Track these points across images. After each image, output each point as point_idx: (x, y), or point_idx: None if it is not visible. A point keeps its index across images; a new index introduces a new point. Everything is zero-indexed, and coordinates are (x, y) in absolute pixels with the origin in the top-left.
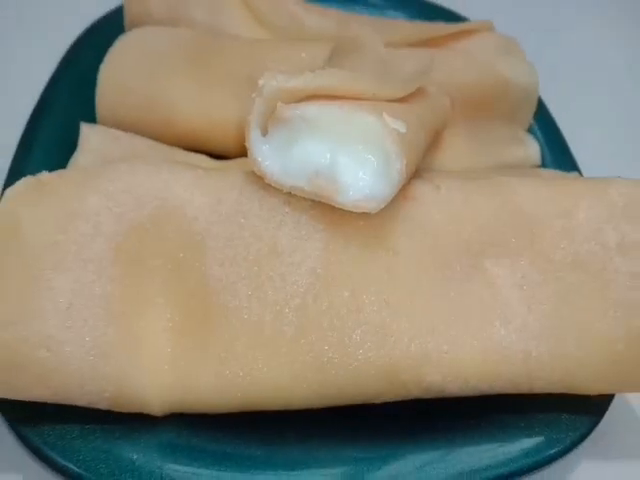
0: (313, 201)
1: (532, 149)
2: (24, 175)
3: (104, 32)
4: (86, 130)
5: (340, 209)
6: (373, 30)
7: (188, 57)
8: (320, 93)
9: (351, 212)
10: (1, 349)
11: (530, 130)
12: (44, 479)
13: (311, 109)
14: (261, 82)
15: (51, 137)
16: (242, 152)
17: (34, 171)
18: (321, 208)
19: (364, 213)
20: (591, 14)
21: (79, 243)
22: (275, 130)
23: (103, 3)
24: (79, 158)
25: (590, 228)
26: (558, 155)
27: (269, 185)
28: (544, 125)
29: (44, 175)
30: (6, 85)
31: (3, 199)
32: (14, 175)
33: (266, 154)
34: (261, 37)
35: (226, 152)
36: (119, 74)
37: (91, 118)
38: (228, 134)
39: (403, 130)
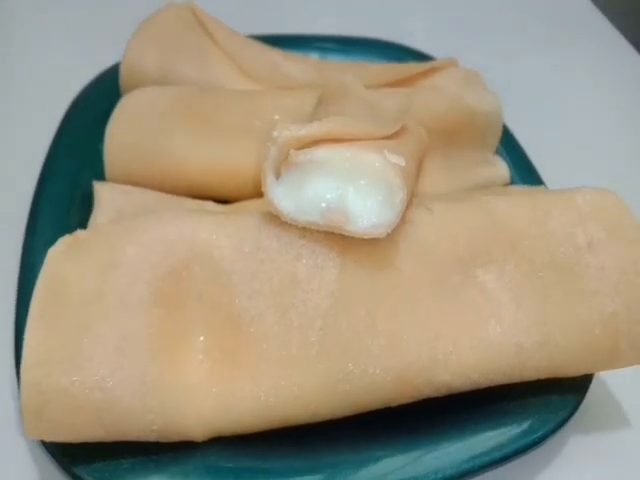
0: (326, 233)
1: (501, 169)
2: (40, 243)
3: (99, 92)
4: (99, 188)
5: (351, 237)
6: (352, 75)
7: (186, 112)
8: (325, 138)
9: (359, 239)
10: (61, 394)
11: (498, 153)
12: None
13: (320, 152)
14: (275, 133)
15: (60, 199)
16: (242, 195)
17: (49, 234)
18: (333, 238)
19: (372, 239)
20: (552, 46)
21: (121, 291)
22: (288, 173)
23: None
24: (97, 215)
25: (563, 232)
26: (525, 173)
27: (285, 222)
28: (510, 148)
29: (80, 233)
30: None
31: (47, 258)
32: (30, 242)
33: (280, 195)
34: (249, 88)
35: (228, 196)
36: (125, 132)
37: (95, 174)
38: (228, 180)
39: (403, 164)
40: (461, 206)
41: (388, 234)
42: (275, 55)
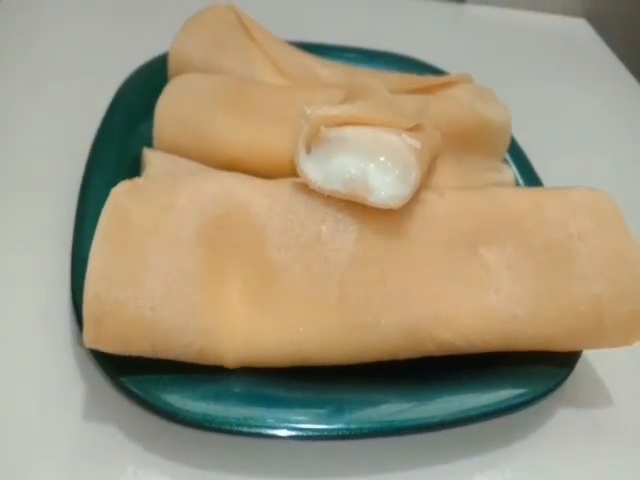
0: (347, 203)
1: (508, 175)
2: (93, 193)
3: (147, 76)
4: (149, 155)
5: (369, 208)
6: (377, 79)
7: (228, 97)
8: (351, 121)
9: (377, 211)
10: (118, 307)
11: (505, 162)
12: (139, 423)
13: (346, 131)
14: (309, 112)
15: (111, 165)
16: (274, 175)
17: (100, 194)
18: (354, 207)
19: (388, 211)
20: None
21: (173, 230)
22: (317, 148)
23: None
24: (148, 175)
25: (558, 221)
26: (530, 180)
27: (313, 190)
28: (517, 158)
29: (138, 179)
30: (64, 123)
31: (111, 195)
32: (84, 194)
33: (310, 166)
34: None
35: (261, 175)
36: (175, 107)
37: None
38: (262, 160)
39: (418, 147)
40: (469, 192)
41: (403, 208)
42: (306, 58)
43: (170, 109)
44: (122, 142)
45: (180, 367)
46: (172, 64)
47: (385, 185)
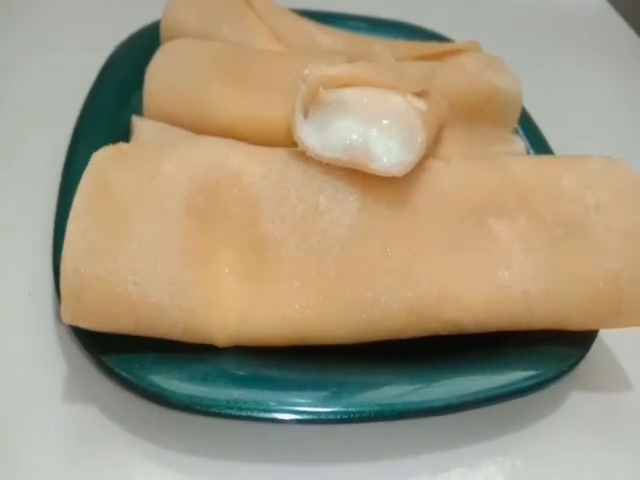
0: (348, 171)
1: (519, 146)
2: (79, 164)
3: (140, 43)
4: (138, 122)
5: (371, 176)
6: (381, 46)
7: (224, 63)
8: (352, 82)
9: (379, 179)
10: (98, 281)
11: (516, 133)
12: (124, 404)
13: (346, 93)
14: (306, 72)
15: (100, 132)
16: (275, 144)
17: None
18: (355, 176)
19: (391, 179)
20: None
21: (158, 198)
22: (315, 112)
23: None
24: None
25: (573, 192)
26: (542, 154)
27: (311, 158)
28: (528, 129)
29: (123, 145)
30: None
31: (92, 159)
32: (69, 165)
33: (308, 132)
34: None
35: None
36: (166, 73)
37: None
38: (259, 129)
39: (424, 109)
40: (478, 161)
41: (407, 178)
42: (308, 25)
43: (161, 76)
44: (112, 112)
45: (168, 345)
46: (164, 30)
47: (388, 151)
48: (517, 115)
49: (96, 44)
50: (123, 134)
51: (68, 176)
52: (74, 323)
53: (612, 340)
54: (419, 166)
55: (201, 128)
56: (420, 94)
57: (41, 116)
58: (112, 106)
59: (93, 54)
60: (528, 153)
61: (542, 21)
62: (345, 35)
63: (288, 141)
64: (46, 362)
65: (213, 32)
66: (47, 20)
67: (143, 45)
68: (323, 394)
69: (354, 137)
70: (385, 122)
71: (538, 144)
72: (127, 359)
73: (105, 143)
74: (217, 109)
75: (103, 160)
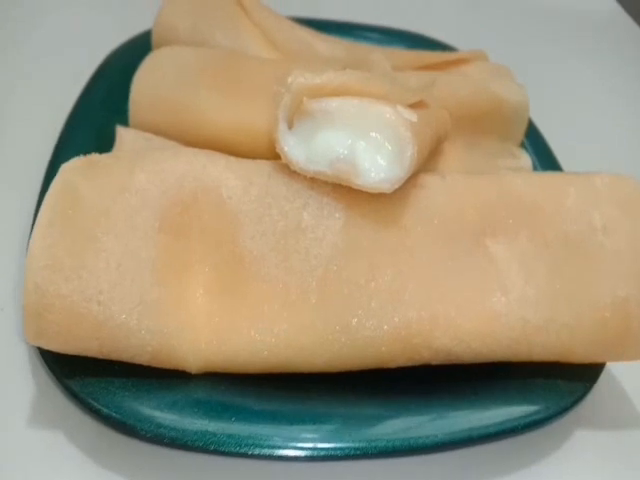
0: (334, 185)
1: (524, 161)
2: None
3: (132, 52)
4: (121, 132)
5: (358, 192)
6: (380, 54)
7: (214, 70)
8: (340, 91)
9: (367, 194)
10: (61, 301)
11: (522, 147)
12: (88, 429)
13: (332, 103)
14: (290, 79)
15: (84, 142)
16: (263, 155)
17: None
18: (341, 191)
19: (379, 195)
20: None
21: (128, 212)
22: (300, 123)
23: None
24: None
25: (578, 211)
26: (549, 168)
27: (295, 172)
28: (535, 143)
29: (95, 156)
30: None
31: (60, 170)
32: (50, 176)
33: (292, 144)
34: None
35: (245, 156)
36: (152, 83)
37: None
38: (250, 138)
39: (414, 120)
40: (475, 176)
41: (397, 194)
42: (305, 33)
43: (148, 84)
44: (100, 121)
45: (137, 370)
46: (156, 36)
47: (376, 165)
48: (523, 128)
49: (92, 50)
50: (111, 144)
51: (47, 187)
52: (37, 343)
53: (621, 372)
54: (410, 181)
55: (187, 138)
56: (417, 105)
57: (27, 123)
58: (100, 115)
59: (87, 61)
60: (535, 168)
61: (552, 27)
62: (344, 43)
63: (275, 153)
64: (15, 383)
65: (206, 39)
66: (44, 23)
67: (135, 53)
68: (301, 428)
69: (340, 150)
70: (373, 135)
71: (545, 158)
72: (92, 383)
73: (90, 153)
74: (204, 118)
75: (72, 171)
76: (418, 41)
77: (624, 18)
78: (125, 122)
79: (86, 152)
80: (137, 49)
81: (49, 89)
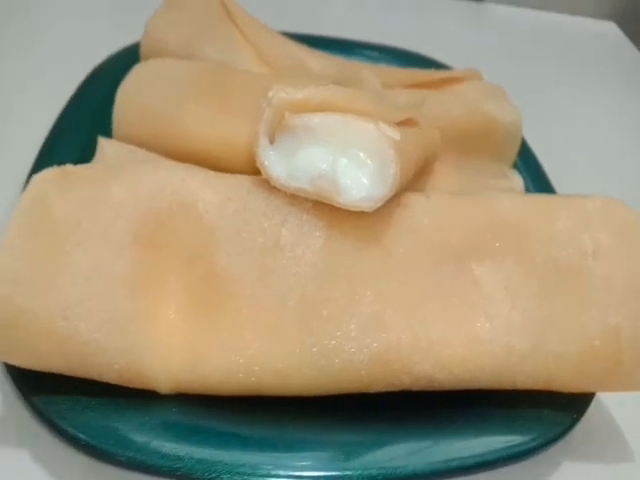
0: (315, 202)
1: (516, 182)
2: None
3: (121, 64)
4: (103, 143)
5: (339, 209)
6: (370, 71)
7: (203, 84)
8: (324, 107)
9: (349, 213)
10: (26, 315)
11: (515, 168)
12: (54, 448)
13: (315, 118)
14: (271, 93)
15: (67, 154)
16: (247, 171)
17: None
18: (322, 208)
19: (361, 213)
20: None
21: (101, 225)
22: (281, 138)
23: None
24: None
25: (568, 236)
26: (542, 190)
27: (275, 187)
28: (528, 163)
29: (69, 167)
30: (24, 108)
31: (32, 182)
32: None
33: (272, 159)
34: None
35: (232, 170)
36: (137, 94)
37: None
38: (237, 154)
39: (397, 137)
40: (461, 197)
41: (380, 213)
42: (297, 49)
43: (132, 95)
44: (85, 132)
45: (106, 388)
46: (145, 48)
47: (358, 183)
48: (516, 148)
49: (82, 61)
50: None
51: None
52: (2, 359)
53: (611, 402)
54: (394, 200)
55: (172, 151)
56: (406, 122)
57: (12, 132)
58: (86, 127)
59: (76, 72)
60: (527, 189)
61: (550, 48)
62: (337, 60)
63: (256, 168)
64: None
65: (196, 52)
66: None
67: (126, 64)
68: (272, 455)
69: (322, 167)
70: (355, 152)
71: (538, 180)
72: (59, 401)
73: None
74: (190, 132)
75: (44, 182)
76: (412, 59)
77: (621, 40)
78: (111, 135)
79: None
80: (128, 60)
81: (37, 99)
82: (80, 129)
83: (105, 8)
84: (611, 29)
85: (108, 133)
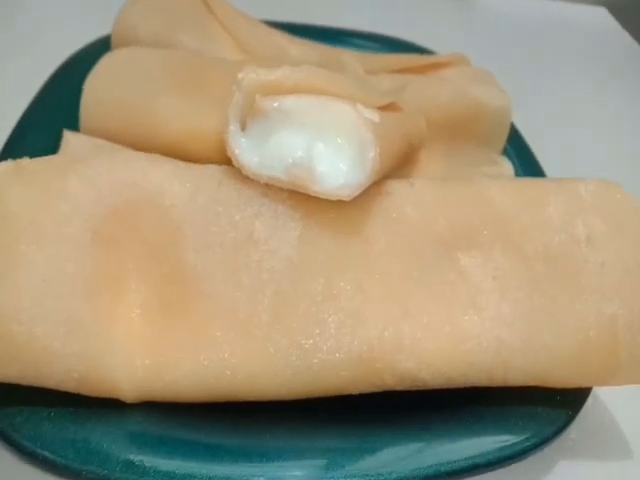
0: (290, 192)
1: (506, 168)
2: None
3: (93, 56)
4: (69, 136)
5: (316, 199)
6: (351, 57)
7: (174, 73)
8: (298, 90)
9: (327, 202)
10: None
11: (505, 154)
12: (10, 462)
13: (288, 101)
14: (241, 75)
15: (35, 149)
16: (221, 162)
17: None
18: (298, 198)
19: (339, 203)
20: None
21: (57, 222)
22: (253, 123)
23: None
24: None
25: (560, 221)
26: (533, 176)
27: (247, 177)
28: (518, 149)
29: (24, 160)
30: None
31: None
32: None
33: (244, 146)
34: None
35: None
36: (104, 86)
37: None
38: (210, 146)
39: (376, 120)
40: (447, 183)
41: (360, 202)
42: (279, 37)
43: (101, 87)
44: (54, 127)
45: (67, 397)
46: (116, 38)
47: (335, 170)
48: (505, 134)
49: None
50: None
51: None
52: None
53: (609, 396)
54: (375, 188)
55: (142, 145)
56: (388, 107)
57: None
58: (54, 121)
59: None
60: (517, 175)
61: (541, 34)
62: (320, 48)
63: (228, 157)
64: None
65: (170, 41)
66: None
67: (97, 56)
68: (246, 465)
69: (296, 153)
70: (332, 136)
71: (528, 166)
72: (14, 413)
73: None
74: (160, 124)
75: None
76: (400, 46)
77: (612, 25)
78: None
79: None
80: (102, 51)
81: (5, 92)
82: (49, 123)
83: None
84: (602, 15)
85: (79, 127)
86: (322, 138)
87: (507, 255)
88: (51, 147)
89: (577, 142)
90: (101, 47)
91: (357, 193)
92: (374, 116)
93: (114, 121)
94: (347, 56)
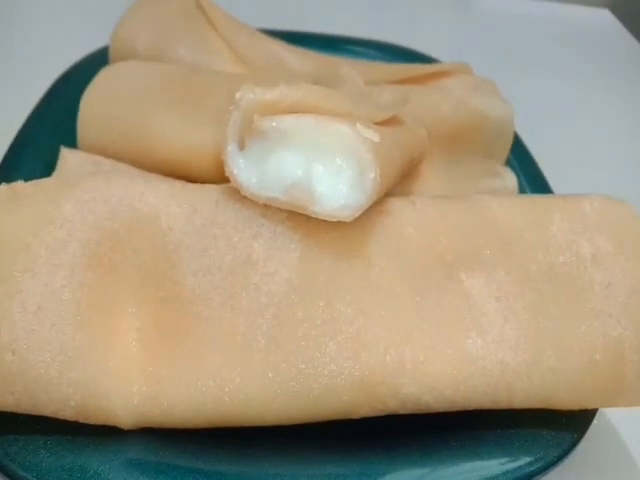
0: (289, 213)
1: (509, 181)
2: None
3: (90, 69)
4: (66, 154)
5: (316, 220)
6: (350, 67)
7: (171, 88)
8: (296, 109)
9: (326, 223)
10: None
11: (508, 165)
12: None
13: (286, 120)
14: (238, 95)
15: (31, 166)
16: (220, 181)
17: None
18: (297, 219)
19: (339, 224)
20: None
21: (51, 248)
22: (251, 143)
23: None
24: None
25: (565, 240)
26: (537, 188)
27: (245, 197)
28: (521, 160)
29: (19, 184)
30: None
31: None
32: None
33: (242, 167)
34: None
35: (205, 180)
36: (102, 102)
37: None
38: (208, 162)
39: (376, 139)
40: (448, 201)
41: (360, 222)
42: (276, 46)
43: (98, 102)
44: (50, 143)
45: (64, 425)
46: (114, 50)
47: (335, 191)
48: (508, 144)
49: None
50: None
51: None
52: None
53: (616, 416)
54: (375, 206)
55: (139, 161)
56: (389, 121)
57: None
58: (51, 137)
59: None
60: (521, 186)
61: (543, 37)
62: (317, 57)
63: (226, 177)
64: None
65: (168, 52)
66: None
67: (95, 69)
68: None
69: (295, 174)
70: (331, 156)
71: (532, 177)
72: (10, 441)
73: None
74: (157, 140)
75: None
76: (399, 53)
77: (616, 27)
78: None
79: (32, 178)
80: (99, 64)
81: (1, 106)
82: (46, 138)
83: (77, 5)
84: (605, 16)
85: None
86: (321, 158)
87: (511, 275)
88: (49, 163)
89: (579, 144)
90: (99, 58)
91: (357, 214)
92: (374, 135)
93: (111, 137)
94: (346, 68)
